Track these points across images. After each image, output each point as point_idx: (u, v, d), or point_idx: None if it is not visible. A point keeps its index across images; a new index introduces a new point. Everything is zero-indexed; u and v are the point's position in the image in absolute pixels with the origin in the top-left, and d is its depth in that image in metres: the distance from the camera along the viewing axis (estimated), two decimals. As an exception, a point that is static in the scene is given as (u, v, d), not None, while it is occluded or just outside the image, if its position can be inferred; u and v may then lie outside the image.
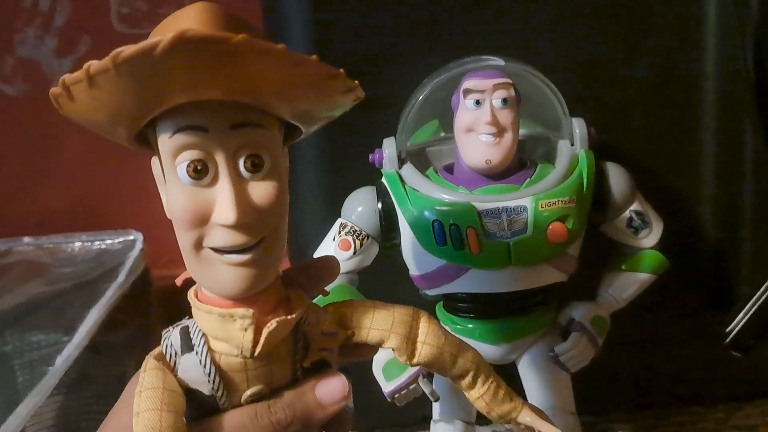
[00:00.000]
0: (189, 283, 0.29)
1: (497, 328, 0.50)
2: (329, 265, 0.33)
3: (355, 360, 0.34)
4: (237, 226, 0.26)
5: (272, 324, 0.27)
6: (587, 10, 0.56)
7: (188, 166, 0.26)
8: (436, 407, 0.52)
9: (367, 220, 0.50)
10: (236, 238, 0.26)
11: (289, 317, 0.28)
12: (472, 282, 0.47)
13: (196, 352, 0.28)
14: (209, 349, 0.28)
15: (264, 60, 0.23)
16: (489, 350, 0.51)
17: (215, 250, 0.26)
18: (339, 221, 0.51)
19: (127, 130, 0.26)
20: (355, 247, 0.50)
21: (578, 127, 0.50)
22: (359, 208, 0.50)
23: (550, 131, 0.52)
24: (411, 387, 0.48)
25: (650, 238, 0.51)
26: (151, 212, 0.40)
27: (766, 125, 0.57)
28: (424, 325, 0.32)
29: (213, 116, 0.25)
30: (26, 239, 0.80)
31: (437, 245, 0.46)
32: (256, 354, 0.27)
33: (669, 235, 0.52)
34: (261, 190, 0.26)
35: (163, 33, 0.22)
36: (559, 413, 0.51)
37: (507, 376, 0.51)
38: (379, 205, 0.49)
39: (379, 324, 0.31)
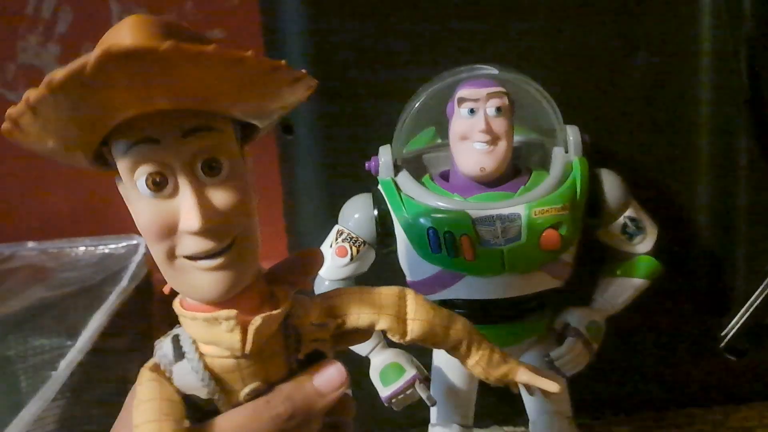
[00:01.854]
0: (175, 291, 0.29)
1: (492, 334, 0.49)
2: (312, 257, 0.33)
3: (350, 346, 0.34)
4: (204, 232, 0.26)
5: (257, 320, 0.27)
6: (581, 17, 0.56)
7: (147, 179, 0.25)
8: (433, 411, 0.53)
9: (363, 227, 0.50)
10: (205, 244, 0.26)
11: (273, 312, 0.28)
12: (466, 288, 0.48)
13: (188, 359, 0.28)
14: (200, 354, 0.28)
15: (198, 64, 0.23)
16: (485, 355, 0.52)
17: (188, 257, 0.26)
18: (336, 228, 0.51)
19: (84, 153, 0.26)
20: (351, 253, 0.50)
21: (572, 134, 0.50)
22: (356, 215, 0.51)
23: (544, 138, 0.52)
24: (408, 392, 0.48)
25: (645, 243, 0.52)
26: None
27: (760, 130, 0.57)
28: (412, 302, 0.32)
29: (163, 126, 0.25)
30: (30, 244, 0.80)
31: (432, 252, 0.47)
32: (246, 352, 0.28)
33: (664, 241, 0.52)
34: (223, 193, 0.26)
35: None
36: (555, 417, 0.51)
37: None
38: (375, 212, 0.50)
39: (368, 308, 0.32)
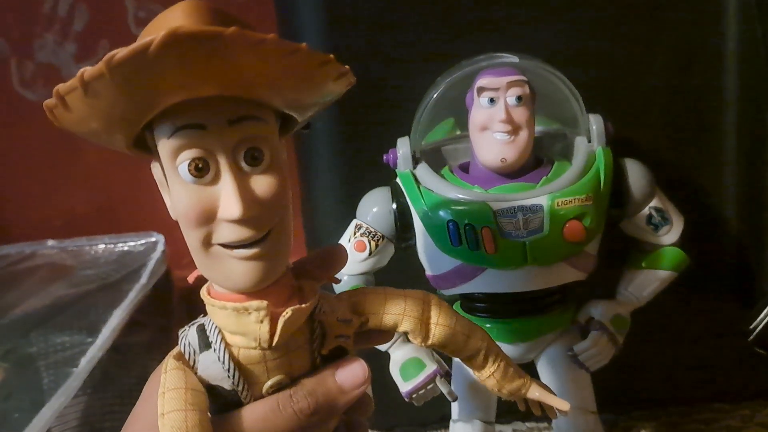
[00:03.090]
0: (201, 280, 0.29)
1: (515, 328, 0.50)
2: (337, 252, 0.33)
3: (370, 346, 0.34)
4: (243, 221, 0.26)
5: (288, 313, 0.27)
6: (604, 4, 0.55)
7: (189, 164, 0.26)
8: (454, 407, 0.52)
9: (381, 221, 0.50)
10: (243, 233, 0.26)
11: (303, 306, 0.28)
12: (488, 282, 0.47)
13: (214, 349, 0.28)
14: (226, 344, 0.28)
15: (257, 51, 0.23)
16: (507, 350, 0.51)
17: (224, 245, 0.26)
18: (354, 222, 0.51)
19: (125, 136, 0.26)
20: (370, 248, 0.50)
21: (595, 123, 0.49)
22: (374, 209, 0.50)
23: (566, 128, 0.51)
24: (428, 387, 0.48)
25: (671, 234, 0.50)
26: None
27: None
28: (436, 308, 0.32)
29: (210, 113, 0.25)
30: (50, 242, 0.81)
31: (452, 245, 0.46)
32: (273, 344, 0.28)
33: (691, 231, 0.51)
34: (263, 183, 0.26)
35: (154, 33, 0.21)
36: (579, 413, 0.50)
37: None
38: (394, 206, 0.49)
39: (392, 309, 0.32)
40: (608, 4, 0.55)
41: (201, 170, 0.26)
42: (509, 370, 0.34)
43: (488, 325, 0.50)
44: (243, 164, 0.26)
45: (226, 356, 0.28)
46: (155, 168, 0.28)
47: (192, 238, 0.27)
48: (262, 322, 0.27)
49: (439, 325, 0.32)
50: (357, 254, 0.50)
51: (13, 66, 0.80)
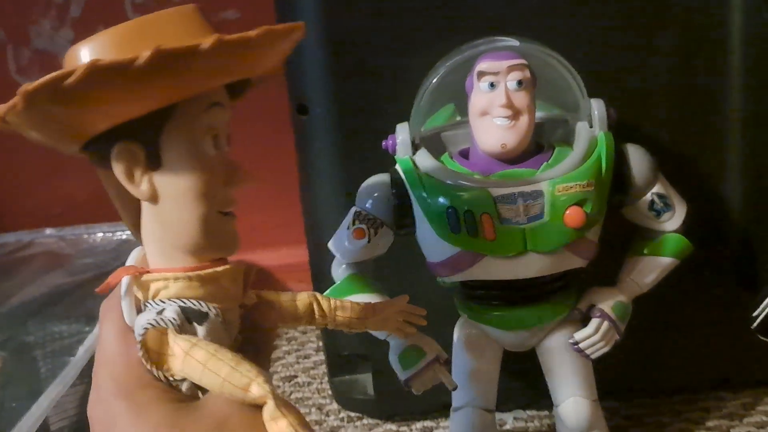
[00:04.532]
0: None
1: (516, 315, 0.49)
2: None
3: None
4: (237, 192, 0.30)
5: (252, 267, 0.32)
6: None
7: (213, 139, 0.29)
8: (455, 395, 0.52)
9: (381, 208, 0.49)
10: (234, 202, 0.30)
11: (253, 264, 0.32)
12: (487, 269, 0.46)
13: (215, 315, 0.30)
14: (217, 308, 0.30)
15: (275, 43, 0.27)
16: (508, 337, 0.51)
17: (225, 213, 0.30)
18: (353, 210, 0.50)
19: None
20: (369, 235, 0.49)
21: (597, 108, 0.48)
22: (373, 195, 0.49)
23: (567, 113, 0.50)
24: (427, 375, 0.47)
25: (673, 221, 0.50)
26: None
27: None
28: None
29: (222, 92, 0.29)
30: (48, 231, 0.81)
31: (452, 232, 0.46)
32: (244, 300, 0.32)
33: (694, 218, 0.50)
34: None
35: (143, 42, 0.24)
36: (580, 401, 0.50)
37: (527, 362, 0.52)
38: (393, 193, 0.49)
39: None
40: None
41: (217, 143, 0.29)
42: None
43: (489, 313, 0.49)
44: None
45: (219, 317, 0.30)
46: (120, 159, 0.28)
47: (202, 209, 0.29)
48: (236, 280, 0.31)
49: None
50: (356, 241, 0.49)
51: (9, 53, 0.79)
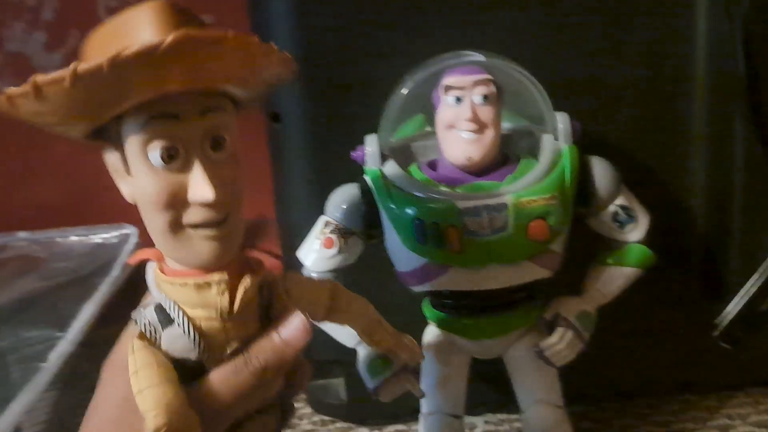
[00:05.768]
0: (143, 263, 0.31)
1: (482, 325, 0.50)
2: (259, 225, 0.36)
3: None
4: (213, 204, 0.28)
5: (246, 281, 0.31)
6: (573, 2, 0.55)
7: (162, 151, 0.28)
8: (423, 402, 0.52)
9: (350, 218, 0.49)
10: (211, 214, 0.29)
11: (257, 276, 0.32)
12: (453, 280, 0.47)
13: (178, 324, 0.30)
14: (189, 318, 0.30)
15: (239, 48, 0.27)
16: (475, 346, 0.51)
17: (193, 226, 0.29)
18: (323, 219, 0.51)
19: (87, 127, 0.28)
20: (339, 245, 0.50)
21: (561, 121, 0.49)
22: (343, 205, 0.50)
23: (534, 125, 0.51)
24: (395, 383, 0.48)
25: (636, 232, 0.51)
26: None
27: (757, 116, 0.56)
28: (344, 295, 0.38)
29: (182, 104, 0.28)
30: (21, 234, 0.80)
31: (418, 243, 0.46)
32: (234, 313, 0.30)
33: (659, 227, 0.51)
34: (226, 168, 0.29)
35: (118, 39, 0.25)
36: (545, 407, 0.51)
37: (498, 366, 0.52)
38: (363, 202, 0.49)
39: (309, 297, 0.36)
40: (578, 5, 0.55)
41: (172, 157, 0.28)
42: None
43: (455, 322, 0.50)
44: (209, 151, 0.29)
45: (191, 329, 0.30)
46: (111, 156, 0.30)
47: (159, 220, 0.29)
48: (223, 293, 0.30)
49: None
50: (325, 251, 0.50)
51: (-19, 55, 0.79)
